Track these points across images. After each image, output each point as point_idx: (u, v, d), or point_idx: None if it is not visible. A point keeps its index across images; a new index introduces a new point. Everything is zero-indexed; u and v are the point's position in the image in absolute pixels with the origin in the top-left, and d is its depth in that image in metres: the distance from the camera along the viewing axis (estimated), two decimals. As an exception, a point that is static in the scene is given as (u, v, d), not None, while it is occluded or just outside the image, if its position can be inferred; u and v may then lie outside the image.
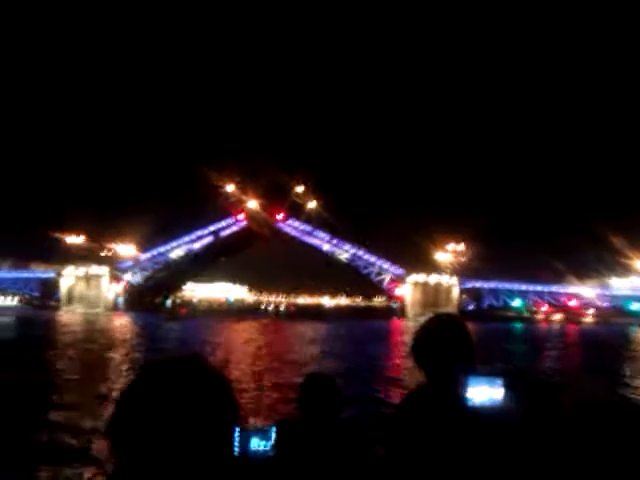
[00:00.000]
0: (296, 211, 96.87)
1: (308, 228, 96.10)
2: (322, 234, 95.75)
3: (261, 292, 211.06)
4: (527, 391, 2.26)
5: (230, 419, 1.25)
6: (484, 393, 2.21)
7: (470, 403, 2.20)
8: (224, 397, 1.26)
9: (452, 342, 2.44)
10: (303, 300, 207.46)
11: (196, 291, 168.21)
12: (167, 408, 1.19)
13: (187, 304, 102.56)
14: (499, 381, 2.25)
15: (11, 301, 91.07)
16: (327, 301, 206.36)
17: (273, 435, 1.96)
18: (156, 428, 1.18)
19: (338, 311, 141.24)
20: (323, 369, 21.68)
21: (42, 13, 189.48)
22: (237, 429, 1.38)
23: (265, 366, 23.97)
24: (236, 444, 1.81)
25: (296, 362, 25.54)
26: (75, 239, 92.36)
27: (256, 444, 1.93)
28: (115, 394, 15.52)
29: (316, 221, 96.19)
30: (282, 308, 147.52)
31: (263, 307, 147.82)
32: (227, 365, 22.22)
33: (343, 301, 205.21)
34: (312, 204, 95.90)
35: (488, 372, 2.27)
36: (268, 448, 1.92)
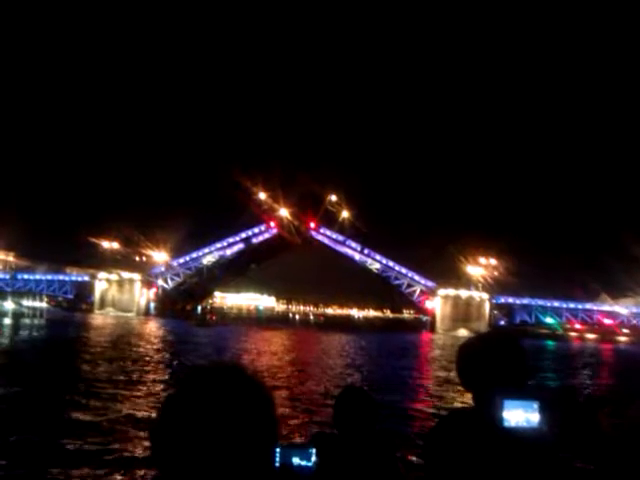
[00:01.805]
0: (328, 220, 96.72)
1: (340, 237, 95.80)
2: (354, 244, 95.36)
3: (290, 301, 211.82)
4: (563, 412, 2.23)
5: (272, 433, 1.22)
6: (520, 416, 2.21)
7: (506, 424, 2.20)
8: (267, 410, 1.24)
9: (511, 361, 2.29)
10: (332, 311, 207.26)
11: (226, 298, 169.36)
12: (209, 421, 1.17)
13: (217, 311, 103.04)
14: (535, 405, 2.24)
15: (40, 303, 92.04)
16: (356, 312, 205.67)
17: (313, 454, 1.97)
18: (199, 441, 1.16)
19: (367, 323, 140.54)
20: (356, 382, 21.64)
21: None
22: (278, 446, 1.34)
23: (297, 376, 23.97)
24: (277, 460, 1.83)
25: (327, 373, 25.49)
26: (110, 244, 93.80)
27: (297, 462, 1.95)
28: (153, 405, 15.70)
29: (348, 231, 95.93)
30: (311, 318, 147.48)
31: (292, 316, 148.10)
32: (259, 373, 22.26)
33: (372, 313, 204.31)
34: (345, 214, 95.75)
35: (523, 395, 2.25)
36: (310, 465, 1.91)
